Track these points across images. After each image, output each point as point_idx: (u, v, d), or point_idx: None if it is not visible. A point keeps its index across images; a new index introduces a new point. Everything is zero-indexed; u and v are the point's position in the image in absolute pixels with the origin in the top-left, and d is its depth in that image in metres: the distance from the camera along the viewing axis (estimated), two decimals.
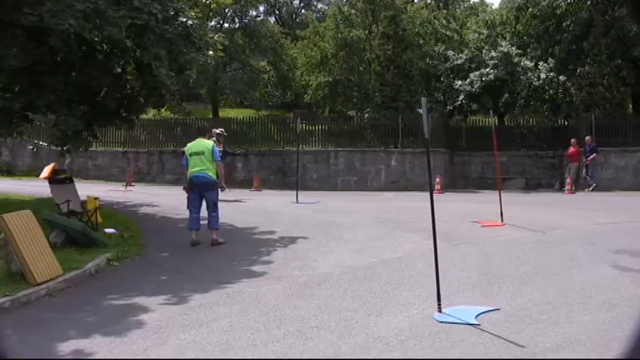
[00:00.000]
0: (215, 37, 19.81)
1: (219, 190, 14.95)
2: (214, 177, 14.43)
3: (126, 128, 23.59)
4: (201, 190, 14.35)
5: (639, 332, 2.14)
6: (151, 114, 32.52)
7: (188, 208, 14.48)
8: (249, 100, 49.05)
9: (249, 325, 8.22)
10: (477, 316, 8.05)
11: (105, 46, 17.58)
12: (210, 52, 18.96)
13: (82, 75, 16.86)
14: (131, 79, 18.57)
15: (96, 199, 16.39)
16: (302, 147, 31.41)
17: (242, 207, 20.50)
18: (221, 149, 18.48)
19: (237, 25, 48.86)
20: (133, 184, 29.16)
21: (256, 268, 11.91)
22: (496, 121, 33.80)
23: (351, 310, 8.70)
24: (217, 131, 20.92)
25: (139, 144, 34.96)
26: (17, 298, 9.57)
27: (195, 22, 17.76)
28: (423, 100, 9.14)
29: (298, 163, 26.36)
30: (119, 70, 17.94)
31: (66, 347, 7.60)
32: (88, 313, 9.16)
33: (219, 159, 14.64)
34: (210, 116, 43.91)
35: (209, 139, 15.20)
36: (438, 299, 8.37)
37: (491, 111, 21.68)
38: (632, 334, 2.08)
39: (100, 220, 15.73)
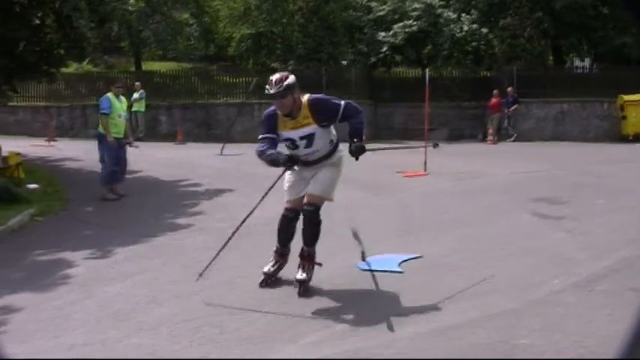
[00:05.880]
0: None
1: (128, 145, 15.04)
2: (100, 131, 14.38)
3: (47, 82, 23.11)
4: None
5: (638, 332, 2.22)
6: (72, 68, 31.76)
7: None
8: (172, 52, 48.20)
9: (173, 277, 8.28)
10: (399, 263, 8.22)
11: None
12: (131, 1, 18.62)
13: None
14: (51, 32, 18.15)
15: (17, 154, 16.13)
16: (226, 100, 31.31)
17: (167, 160, 20.37)
18: None
19: None
20: (55, 139, 28.53)
21: (181, 220, 11.95)
22: (421, 72, 34.08)
23: None
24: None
25: (61, 98, 34.09)
26: None
27: None
28: None
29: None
30: (38, 22, 17.49)
31: None
32: (13, 269, 9.11)
33: (103, 112, 14.33)
34: (133, 69, 43.18)
35: (116, 91, 14.96)
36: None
37: (422, 64, 21.75)
38: (630, 334, 2.16)
39: (22, 175, 15.53)
